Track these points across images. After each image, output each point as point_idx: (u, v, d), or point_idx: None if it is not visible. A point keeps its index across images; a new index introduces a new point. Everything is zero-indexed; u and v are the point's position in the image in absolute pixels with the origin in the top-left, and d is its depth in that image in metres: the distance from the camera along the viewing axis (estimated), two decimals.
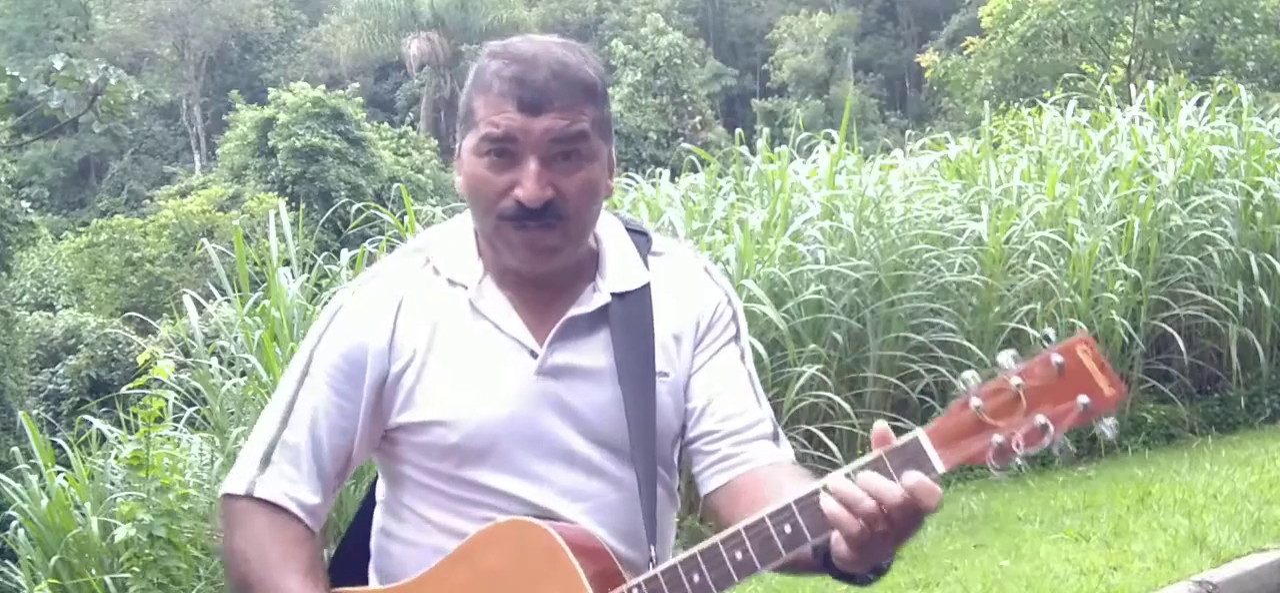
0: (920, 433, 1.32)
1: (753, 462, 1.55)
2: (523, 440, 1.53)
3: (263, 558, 1.52)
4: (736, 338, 1.64)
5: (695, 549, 1.38)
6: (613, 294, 1.57)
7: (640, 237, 1.66)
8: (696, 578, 1.38)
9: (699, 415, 1.58)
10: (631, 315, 1.57)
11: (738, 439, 1.56)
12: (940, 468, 1.30)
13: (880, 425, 1.35)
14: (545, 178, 1.48)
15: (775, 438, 1.59)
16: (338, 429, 1.56)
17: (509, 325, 1.55)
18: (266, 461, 1.56)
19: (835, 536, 1.32)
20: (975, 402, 1.30)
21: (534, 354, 1.54)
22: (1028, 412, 1.29)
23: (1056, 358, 1.29)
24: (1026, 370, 1.29)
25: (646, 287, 1.60)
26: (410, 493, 1.60)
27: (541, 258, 1.52)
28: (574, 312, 1.56)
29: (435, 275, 1.59)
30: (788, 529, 1.35)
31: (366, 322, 1.57)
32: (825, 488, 1.32)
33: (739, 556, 1.36)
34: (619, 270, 1.60)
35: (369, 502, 1.72)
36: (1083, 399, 1.28)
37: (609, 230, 1.63)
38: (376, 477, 1.71)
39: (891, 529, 1.30)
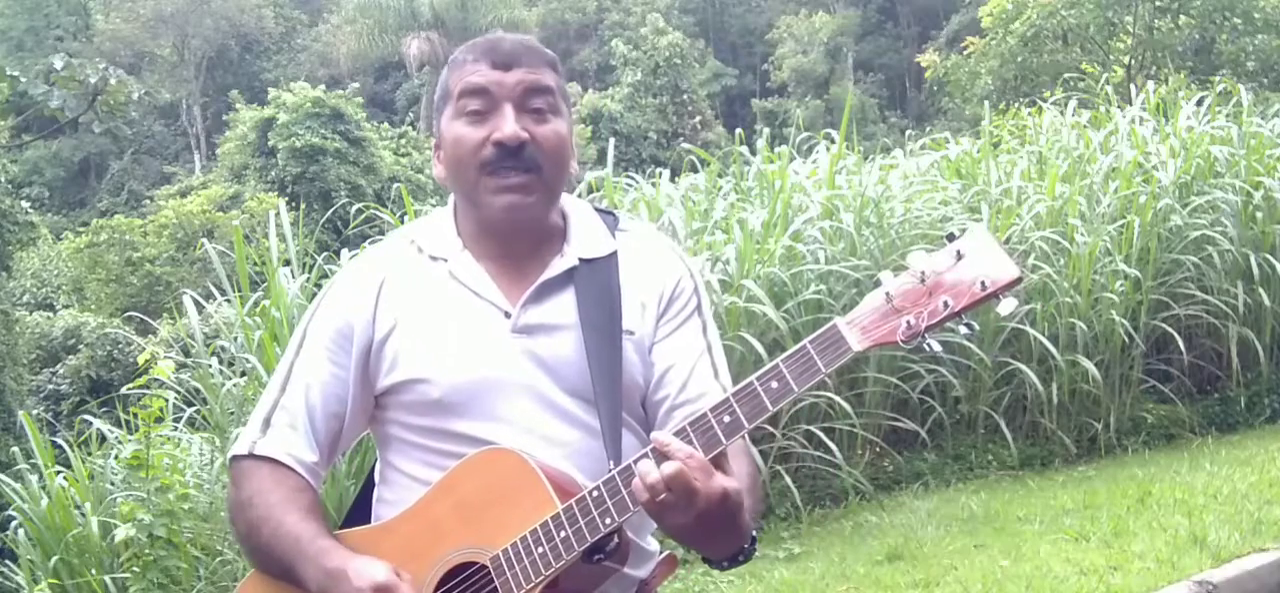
0: (838, 320, 1.49)
1: None
2: (500, 391, 1.67)
3: (266, 503, 1.67)
4: (698, 310, 1.77)
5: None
6: (580, 259, 1.73)
7: (607, 216, 1.82)
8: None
9: (659, 381, 1.72)
10: (598, 277, 1.72)
11: (691, 410, 1.62)
12: (856, 347, 1.47)
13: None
14: (520, 123, 1.66)
15: None
16: (331, 396, 1.72)
17: (484, 290, 1.70)
18: (267, 423, 1.72)
19: None
20: (887, 291, 1.47)
21: (507, 314, 1.69)
22: (932, 295, 1.45)
23: (956, 248, 1.46)
24: (930, 261, 1.47)
25: (613, 255, 1.75)
26: (398, 453, 1.74)
27: (519, 208, 1.68)
28: (544, 276, 1.71)
29: (418, 253, 1.76)
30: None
31: (353, 297, 1.74)
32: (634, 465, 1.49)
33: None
34: (585, 240, 1.75)
35: (369, 483, 1.84)
36: (981, 279, 1.44)
37: (576, 207, 1.80)
38: (375, 462, 1.83)
39: (677, 503, 1.43)
